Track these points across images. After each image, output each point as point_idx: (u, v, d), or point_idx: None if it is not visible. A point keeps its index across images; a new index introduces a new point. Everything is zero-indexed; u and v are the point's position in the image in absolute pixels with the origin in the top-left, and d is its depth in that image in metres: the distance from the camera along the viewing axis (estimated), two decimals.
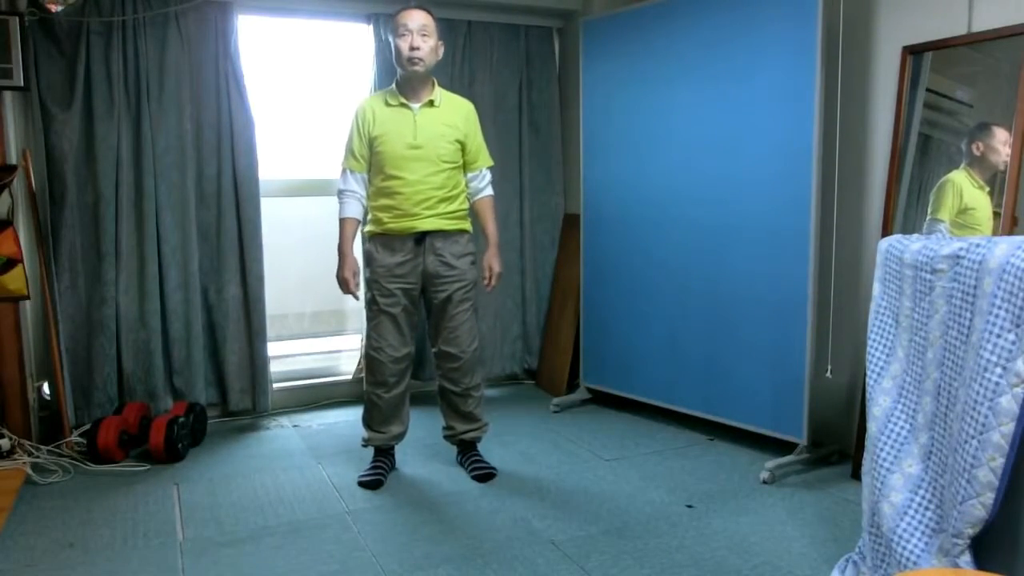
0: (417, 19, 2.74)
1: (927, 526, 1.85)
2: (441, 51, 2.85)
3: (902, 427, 1.97)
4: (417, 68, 2.76)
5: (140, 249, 3.41)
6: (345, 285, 2.86)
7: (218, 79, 3.47)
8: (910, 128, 2.80)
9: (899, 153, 2.83)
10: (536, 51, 4.16)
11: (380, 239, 2.85)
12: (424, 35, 2.75)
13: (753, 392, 3.15)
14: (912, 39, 2.80)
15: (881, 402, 2.02)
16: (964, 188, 2.61)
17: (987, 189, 2.54)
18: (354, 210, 2.87)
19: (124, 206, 3.35)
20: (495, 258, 2.94)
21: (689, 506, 2.71)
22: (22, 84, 3.06)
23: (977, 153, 2.58)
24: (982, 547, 1.72)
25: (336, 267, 2.89)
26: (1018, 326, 1.60)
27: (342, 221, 2.87)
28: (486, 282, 2.93)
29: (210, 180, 3.51)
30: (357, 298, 2.93)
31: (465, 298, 2.90)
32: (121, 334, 3.39)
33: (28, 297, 3.06)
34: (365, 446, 3.02)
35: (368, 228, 2.89)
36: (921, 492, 1.88)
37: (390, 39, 2.83)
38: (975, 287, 1.72)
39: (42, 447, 3.13)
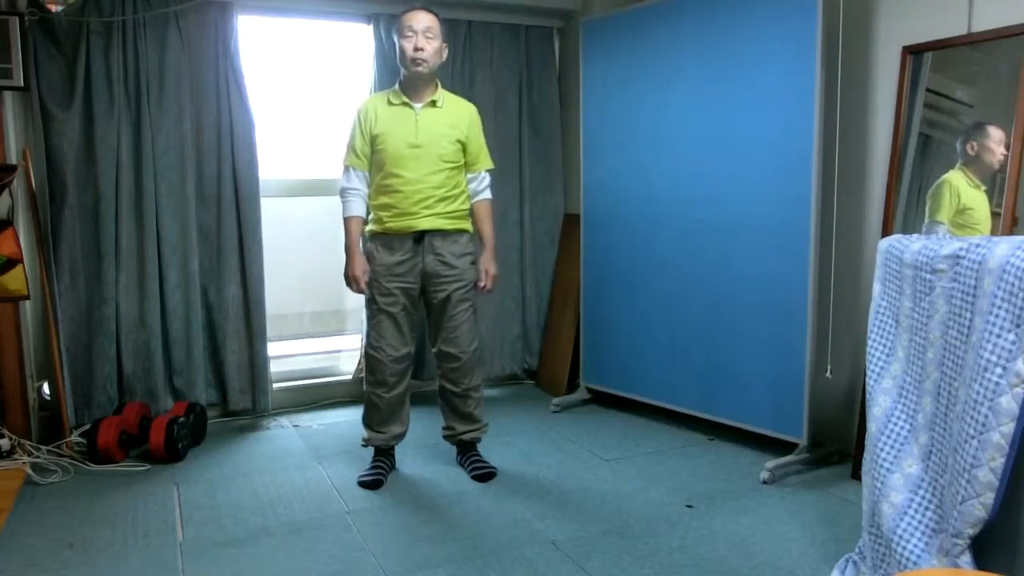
0: (422, 21, 2.75)
1: (927, 526, 1.85)
2: (445, 53, 2.86)
3: (902, 427, 1.97)
4: (421, 69, 2.76)
5: (140, 249, 3.41)
6: (356, 284, 2.85)
7: (218, 79, 3.47)
8: (910, 128, 2.80)
9: (899, 153, 2.83)
10: (536, 51, 4.16)
11: (380, 238, 2.86)
12: (429, 37, 2.75)
13: (753, 392, 3.14)
14: (912, 39, 2.80)
15: (881, 402, 2.02)
16: (961, 188, 2.61)
17: (983, 188, 2.55)
18: (358, 208, 2.86)
19: (124, 206, 3.35)
20: (491, 261, 2.95)
21: (689, 506, 2.71)
22: (22, 84, 3.06)
23: (972, 153, 2.58)
24: (982, 547, 1.72)
25: (344, 267, 2.87)
26: (1018, 326, 1.60)
27: (347, 220, 2.86)
28: (482, 285, 2.93)
29: (210, 180, 3.51)
30: (369, 295, 2.91)
31: (464, 298, 2.90)
32: (121, 334, 3.39)
33: (28, 297, 3.05)
34: (365, 446, 3.02)
35: (369, 227, 2.89)
36: (921, 492, 1.88)
37: (395, 39, 2.83)
38: (975, 287, 1.72)
39: (42, 447, 3.13)
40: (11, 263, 2.97)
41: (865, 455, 2.06)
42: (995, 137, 2.52)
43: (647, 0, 3.43)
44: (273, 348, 3.78)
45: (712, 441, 3.36)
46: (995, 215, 2.50)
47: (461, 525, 2.58)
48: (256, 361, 3.63)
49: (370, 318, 2.91)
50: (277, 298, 3.82)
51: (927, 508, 1.86)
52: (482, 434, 3.07)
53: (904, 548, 1.86)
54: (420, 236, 2.83)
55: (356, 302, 3.90)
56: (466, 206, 2.93)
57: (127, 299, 3.39)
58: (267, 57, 3.76)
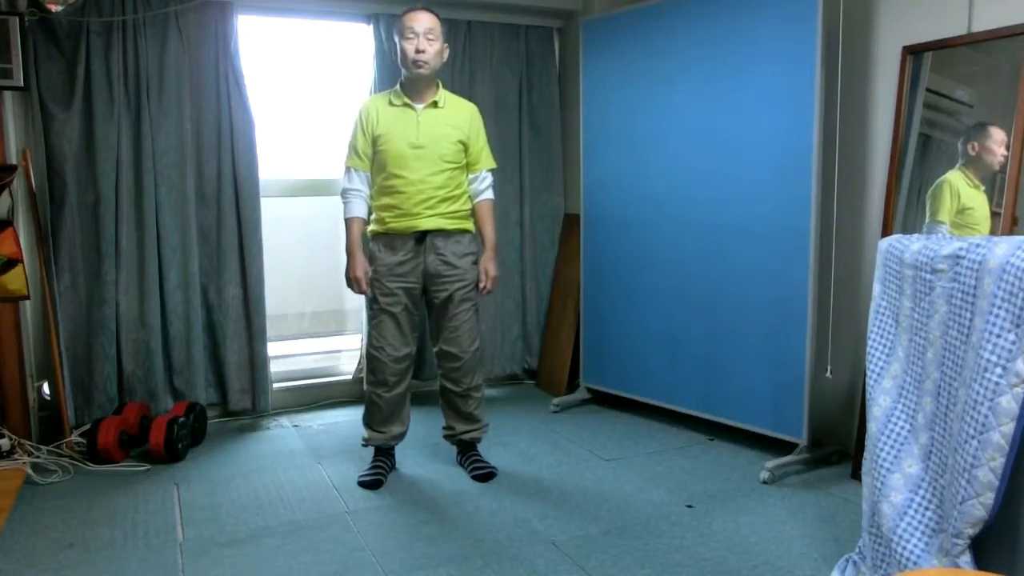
0: (424, 22, 2.75)
1: (927, 526, 1.85)
2: (446, 54, 2.86)
3: (902, 427, 1.97)
4: (422, 71, 2.76)
5: (140, 249, 3.41)
6: (357, 285, 2.85)
7: (218, 79, 3.47)
8: (910, 128, 2.80)
9: (899, 153, 2.83)
10: (536, 51, 4.16)
11: (382, 238, 2.86)
12: (430, 38, 2.75)
13: (753, 392, 3.15)
14: (912, 39, 2.80)
15: (881, 402, 2.02)
16: (960, 188, 2.61)
17: (983, 188, 2.55)
18: (359, 209, 2.86)
19: (124, 206, 3.35)
20: (491, 262, 2.95)
21: (689, 506, 2.71)
22: (22, 84, 3.06)
23: (972, 153, 2.58)
24: (982, 547, 1.72)
25: (345, 268, 2.87)
26: (1018, 326, 1.60)
27: (348, 221, 2.86)
28: (482, 286, 2.93)
29: (210, 180, 3.51)
30: (371, 295, 2.90)
31: (466, 298, 2.90)
32: (121, 334, 3.39)
33: (28, 297, 3.06)
34: (365, 446, 3.02)
35: (371, 228, 2.89)
36: (921, 492, 1.88)
37: (395, 40, 2.83)
38: (975, 287, 1.72)
39: (42, 447, 3.13)
40: (11, 263, 2.97)
41: (865, 455, 2.06)
42: (996, 138, 2.52)
43: (647, 0, 3.43)
44: (273, 348, 3.78)
45: (712, 441, 3.36)
46: (995, 215, 2.50)
47: (461, 525, 2.58)
48: (256, 361, 3.63)
49: (371, 318, 2.91)
50: (277, 298, 3.82)
51: (927, 508, 1.86)
52: (482, 434, 3.07)
53: (904, 548, 1.86)
54: (422, 236, 2.83)
55: (356, 302, 3.91)
56: (468, 206, 2.93)
57: (127, 299, 3.39)
58: (267, 57, 3.76)
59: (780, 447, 3.09)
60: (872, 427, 2.02)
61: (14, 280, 2.98)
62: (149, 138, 3.37)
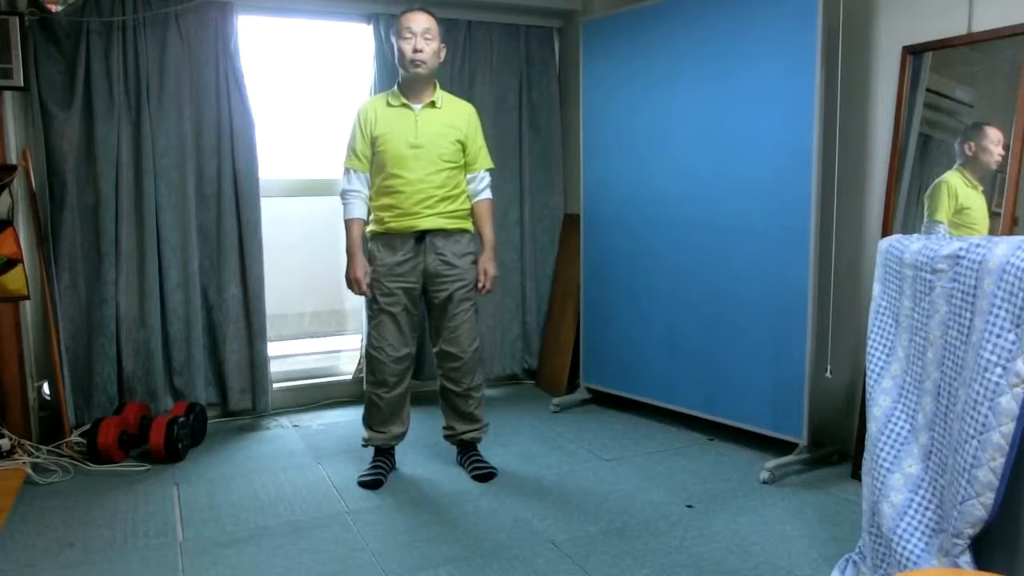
0: (421, 22, 2.75)
1: (927, 526, 1.85)
2: (443, 54, 2.86)
3: (902, 427, 1.97)
4: (420, 71, 2.77)
5: (140, 249, 3.41)
6: (357, 286, 2.85)
7: (218, 79, 3.47)
8: (910, 128, 2.80)
9: (899, 153, 2.83)
10: (536, 51, 4.16)
11: (381, 238, 2.86)
12: (427, 38, 2.76)
13: (753, 392, 3.14)
14: (912, 39, 2.81)
15: (881, 402, 2.03)
16: (958, 189, 2.61)
17: (981, 188, 2.55)
18: (359, 211, 2.87)
19: (124, 206, 3.35)
20: (490, 261, 2.95)
21: (689, 506, 2.71)
22: (22, 84, 3.06)
23: (969, 153, 2.58)
24: (982, 547, 1.72)
25: (345, 269, 2.87)
26: (1018, 326, 1.60)
27: (348, 223, 2.86)
28: (480, 285, 2.93)
29: (210, 180, 3.51)
30: (371, 296, 2.90)
31: (466, 297, 2.90)
32: (121, 334, 3.39)
33: (28, 297, 3.06)
34: (365, 446, 3.02)
35: (370, 228, 2.89)
36: (921, 492, 1.88)
37: (392, 40, 2.83)
38: (975, 287, 1.72)
39: (42, 447, 3.13)
40: (11, 263, 2.97)
41: (865, 455, 2.06)
42: (993, 138, 2.52)
43: (647, 0, 3.44)
44: (273, 348, 3.78)
45: (712, 441, 3.36)
46: (995, 215, 2.50)
47: (461, 525, 2.58)
48: (256, 361, 3.63)
49: (371, 318, 2.91)
50: (277, 298, 3.82)
51: (927, 508, 1.86)
52: (482, 434, 3.07)
53: (904, 548, 1.86)
54: (421, 236, 2.83)
55: (356, 302, 3.91)
56: (467, 206, 2.93)
57: (127, 299, 3.39)
58: (267, 57, 3.76)
59: (780, 447, 3.09)
60: (872, 427, 2.03)
61: (14, 280, 2.98)
62: (149, 138, 3.37)
